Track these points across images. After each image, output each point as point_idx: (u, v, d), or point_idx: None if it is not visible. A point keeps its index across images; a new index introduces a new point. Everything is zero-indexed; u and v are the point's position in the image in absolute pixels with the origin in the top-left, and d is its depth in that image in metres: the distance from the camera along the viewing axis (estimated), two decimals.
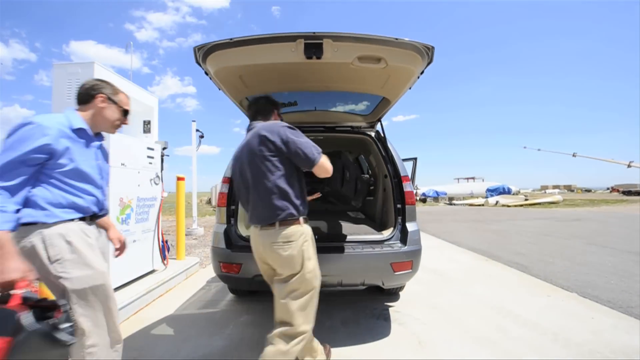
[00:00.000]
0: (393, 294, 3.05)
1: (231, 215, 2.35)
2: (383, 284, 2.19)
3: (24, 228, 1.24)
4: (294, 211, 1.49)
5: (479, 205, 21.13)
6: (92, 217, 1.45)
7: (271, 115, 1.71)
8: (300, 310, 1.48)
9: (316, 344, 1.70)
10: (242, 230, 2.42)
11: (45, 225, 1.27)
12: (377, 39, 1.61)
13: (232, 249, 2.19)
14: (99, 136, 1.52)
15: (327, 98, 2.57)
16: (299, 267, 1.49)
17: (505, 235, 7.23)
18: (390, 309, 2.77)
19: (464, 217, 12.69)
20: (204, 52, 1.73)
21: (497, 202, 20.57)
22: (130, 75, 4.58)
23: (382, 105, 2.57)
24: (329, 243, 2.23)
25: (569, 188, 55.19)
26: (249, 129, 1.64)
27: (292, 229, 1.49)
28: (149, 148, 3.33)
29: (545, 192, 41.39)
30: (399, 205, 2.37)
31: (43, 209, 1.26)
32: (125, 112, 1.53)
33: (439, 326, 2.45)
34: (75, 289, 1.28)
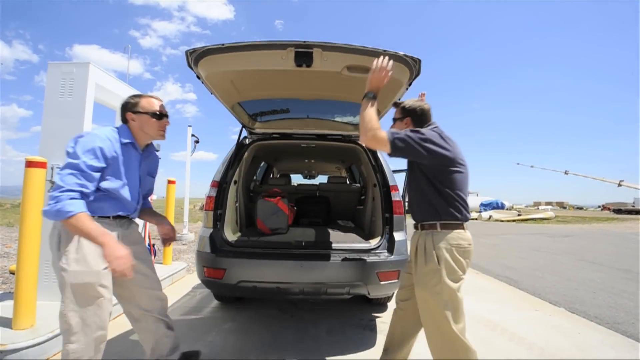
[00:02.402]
0: (381, 305, 3.01)
1: (218, 220, 2.33)
2: (369, 294, 2.16)
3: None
4: None
5: (472, 219, 21.23)
6: (118, 217, 1.52)
7: None
8: None
9: None
10: (229, 235, 2.40)
11: None
12: (365, 50, 1.65)
13: (217, 254, 2.16)
14: (148, 147, 1.64)
15: (318, 107, 2.60)
16: None
17: (496, 250, 7.25)
18: (377, 319, 2.72)
19: None
20: (196, 57, 1.75)
21: (490, 216, 20.69)
22: (127, 78, 4.61)
23: None
24: (315, 251, 2.22)
25: (561, 205, 55.89)
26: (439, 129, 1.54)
27: None
28: None
29: (538, 208, 41.81)
30: (387, 215, 2.38)
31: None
32: (158, 115, 1.54)
33: (424, 338, 2.41)
34: (68, 282, 1.33)
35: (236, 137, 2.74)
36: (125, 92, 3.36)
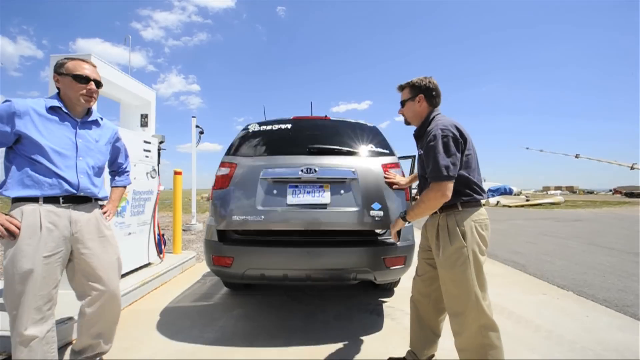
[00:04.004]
0: (387, 290, 3.04)
1: None
2: (375, 279, 2.17)
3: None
4: None
5: None
6: (68, 198, 1.44)
7: None
8: None
9: None
10: None
11: (14, 199, 1.38)
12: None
13: (224, 242, 2.19)
14: (87, 115, 1.56)
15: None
16: None
17: (504, 235, 7.20)
18: (384, 304, 2.76)
19: None
20: None
21: (497, 202, 20.49)
22: (130, 70, 4.59)
23: None
24: (321, 237, 2.23)
25: (571, 189, 54.89)
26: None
27: None
28: (145, 141, 3.33)
29: (547, 193, 41.18)
30: None
31: (10, 184, 1.37)
32: (79, 78, 1.45)
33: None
34: (7, 271, 1.33)
35: (240, 127, 2.74)
36: (128, 83, 3.35)
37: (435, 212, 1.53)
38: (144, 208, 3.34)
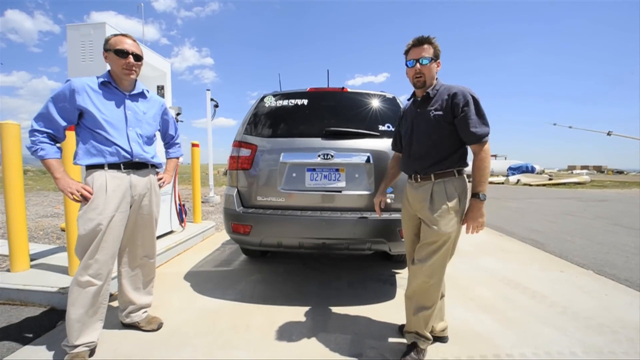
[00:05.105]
0: (401, 262, 3.09)
1: None
2: (390, 250, 2.20)
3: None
4: None
5: (499, 183, 20.44)
6: (127, 164, 1.60)
7: None
8: None
9: None
10: None
11: (86, 167, 1.57)
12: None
13: (243, 211, 2.25)
14: (134, 88, 1.67)
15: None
16: None
17: (523, 213, 7.02)
18: (396, 275, 2.82)
19: None
20: None
21: (518, 180, 19.78)
22: (143, 39, 4.56)
23: None
24: (338, 207, 2.25)
25: (599, 169, 51.98)
26: None
27: None
28: None
29: (572, 173, 39.25)
30: None
31: (80, 154, 1.55)
32: (120, 52, 1.55)
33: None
34: (78, 225, 1.50)
35: (254, 101, 2.70)
36: (143, 54, 3.33)
37: (429, 180, 1.57)
38: None
